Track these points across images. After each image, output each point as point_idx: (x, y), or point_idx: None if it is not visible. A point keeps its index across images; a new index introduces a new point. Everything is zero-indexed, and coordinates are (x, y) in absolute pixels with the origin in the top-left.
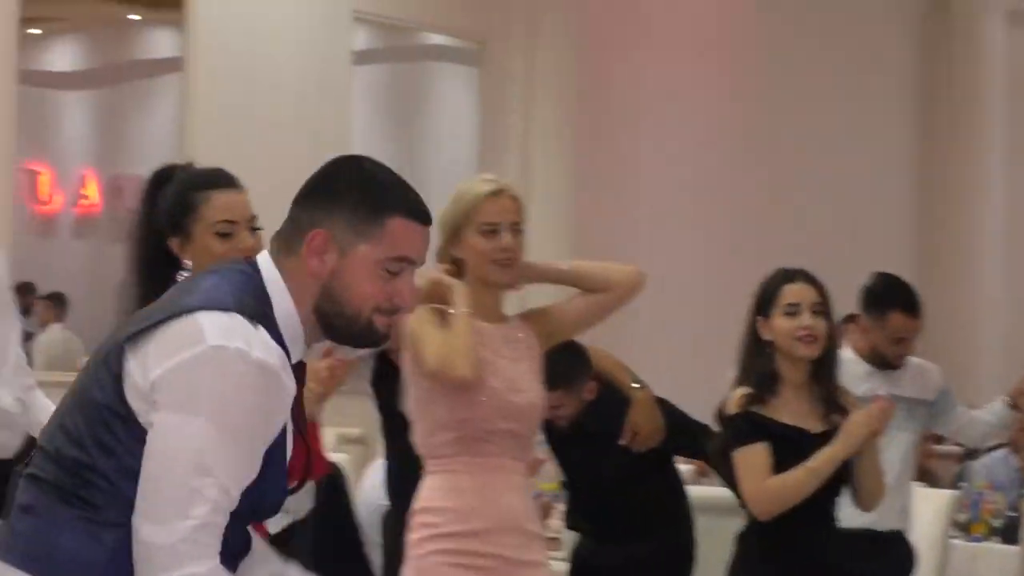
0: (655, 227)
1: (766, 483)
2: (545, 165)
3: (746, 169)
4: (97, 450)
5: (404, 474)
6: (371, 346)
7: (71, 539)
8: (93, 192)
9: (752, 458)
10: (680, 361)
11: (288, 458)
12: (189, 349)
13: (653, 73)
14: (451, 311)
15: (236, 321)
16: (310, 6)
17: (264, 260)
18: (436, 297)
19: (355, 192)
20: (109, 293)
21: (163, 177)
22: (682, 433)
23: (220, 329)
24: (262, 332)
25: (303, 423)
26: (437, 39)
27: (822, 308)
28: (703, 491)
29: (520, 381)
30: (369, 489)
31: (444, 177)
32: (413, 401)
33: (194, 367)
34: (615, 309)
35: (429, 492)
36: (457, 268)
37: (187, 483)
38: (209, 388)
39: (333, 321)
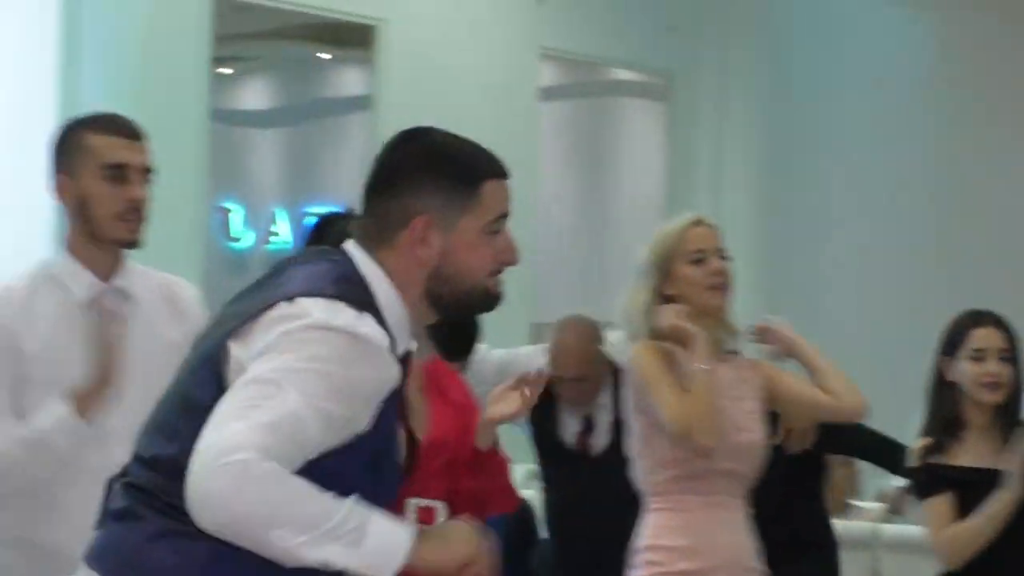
0: (847, 263)
1: (945, 532)
2: (735, 201)
3: (941, 204)
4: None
5: (562, 508)
6: (488, 310)
7: (161, 549)
8: (284, 229)
9: (935, 509)
10: (872, 388)
11: (399, 455)
12: (294, 322)
13: (846, 106)
14: (690, 356)
15: (339, 306)
16: (497, 43)
17: (354, 250)
18: (674, 340)
19: (441, 169)
20: None
21: (326, 225)
22: (830, 432)
23: (324, 309)
24: (367, 317)
25: (405, 419)
26: (624, 74)
27: (1009, 354)
28: (896, 530)
29: (743, 421)
30: None
31: (632, 213)
32: (635, 438)
33: (296, 333)
34: (824, 415)
35: (654, 530)
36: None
37: (254, 395)
38: (306, 342)
39: (450, 300)
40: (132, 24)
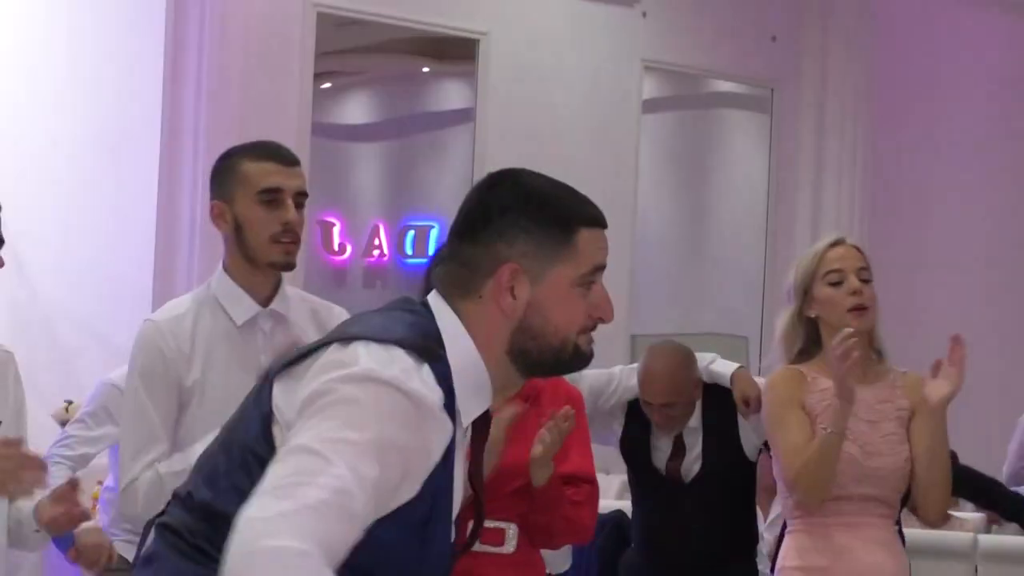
0: (950, 273)
1: None
2: (837, 213)
3: None
4: (231, 493)
5: (651, 526)
6: (578, 370)
7: None
8: (383, 242)
9: None
10: (971, 405)
11: (455, 516)
12: (340, 370)
13: (948, 114)
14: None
15: (396, 354)
16: (600, 56)
17: (436, 302)
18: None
19: (534, 214)
20: None
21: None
22: None
23: (376, 358)
24: (425, 370)
25: (479, 479)
26: (726, 86)
27: None
28: (994, 539)
29: (878, 445)
30: None
31: (733, 225)
32: (773, 460)
33: (341, 384)
34: (916, 485)
35: (787, 551)
36: (813, 332)
37: (301, 470)
38: (351, 402)
39: (536, 357)
40: (236, 40)
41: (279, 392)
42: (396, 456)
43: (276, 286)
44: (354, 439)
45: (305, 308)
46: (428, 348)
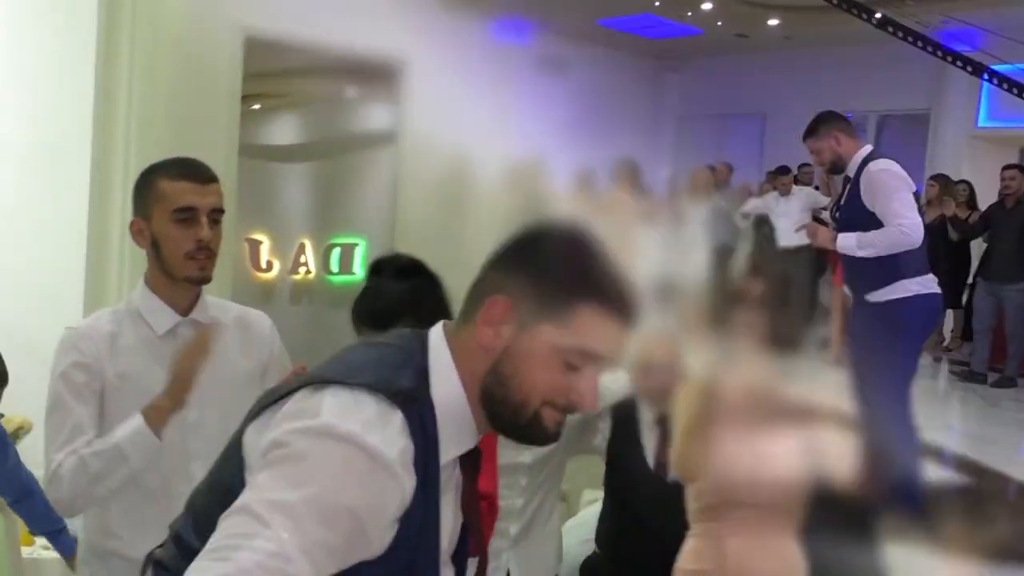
0: None
1: None
2: None
3: None
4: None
5: (628, 526)
6: (537, 444)
7: None
8: (309, 260)
9: None
10: None
11: (448, 554)
12: (300, 421)
13: None
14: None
15: (362, 401)
16: None
17: (435, 333)
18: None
19: (553, 261)
20: (323, 356)
21: (377, 269)
22: None
23: (338, 409)
24: (397, 419)
25: (474, 516)
26: None
27: None
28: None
29: (772, 455)
30: (575, 545)
31: None
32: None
33: (297, 437)
34: None
35: (684, 555)
36: None
37: (239, 532)
38: (301, 458)
39: (496, 407)
40: (164, 61)
41: (250, 433)
42: (346, 514)
43: (196, 297)
44: (295, 500)
45: (227, 316)
46: (402, 392)
